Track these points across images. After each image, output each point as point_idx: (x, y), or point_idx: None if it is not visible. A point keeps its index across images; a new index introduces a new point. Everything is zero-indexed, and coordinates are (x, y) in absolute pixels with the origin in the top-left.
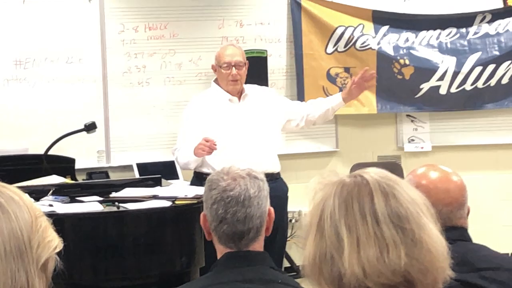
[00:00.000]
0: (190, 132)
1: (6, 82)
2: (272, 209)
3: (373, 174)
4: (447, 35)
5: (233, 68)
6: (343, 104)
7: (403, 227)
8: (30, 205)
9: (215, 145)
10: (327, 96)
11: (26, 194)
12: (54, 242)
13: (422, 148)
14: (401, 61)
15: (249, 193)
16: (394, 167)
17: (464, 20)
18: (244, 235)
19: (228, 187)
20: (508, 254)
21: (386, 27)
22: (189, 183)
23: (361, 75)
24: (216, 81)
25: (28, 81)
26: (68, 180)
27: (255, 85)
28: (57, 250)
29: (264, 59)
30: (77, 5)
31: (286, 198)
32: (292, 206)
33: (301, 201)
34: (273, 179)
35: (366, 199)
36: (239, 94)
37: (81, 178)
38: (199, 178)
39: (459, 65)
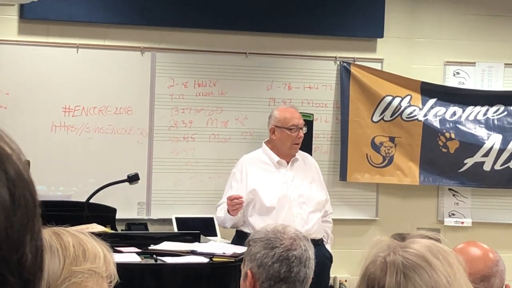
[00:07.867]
0: (235, 190)
1: (54, 128)
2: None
3: (412, 251)
4: (494, 112)
5: (300, 130)
6: None
7: None
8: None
9: (240, 200)
10: (370, 163)
11: None
12: None
13: (462, 223)
14: (447, 134)
15: (308, 254)
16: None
17: None
18: None
19: (292, 246)
20: None
21: (433, 100)
22: (226, 241)
23: None
24: (267, 142)
25: (75, 129)
26: (108, 230)
27: (300, 151)
28: None
29: (310, 123)
30: (130, 57)
31: (327, 264)
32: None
33: (338, 267)
34: (316, 245)
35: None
36: (289, 157)
37: (120, 228)
38: (240, 237)
39: (505, 142)
